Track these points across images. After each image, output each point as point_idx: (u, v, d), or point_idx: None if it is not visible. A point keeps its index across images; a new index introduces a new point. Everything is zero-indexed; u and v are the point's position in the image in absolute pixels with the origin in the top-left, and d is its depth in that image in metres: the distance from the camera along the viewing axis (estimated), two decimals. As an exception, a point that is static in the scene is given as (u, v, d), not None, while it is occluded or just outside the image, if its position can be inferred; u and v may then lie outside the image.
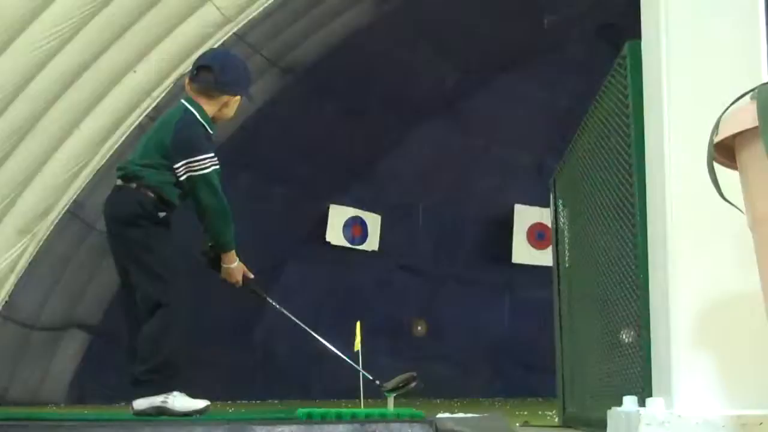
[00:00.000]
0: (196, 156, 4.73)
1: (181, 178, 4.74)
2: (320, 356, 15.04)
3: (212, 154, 4.78)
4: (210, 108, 4.93)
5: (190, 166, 4.72)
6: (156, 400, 4.59)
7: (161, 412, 4.55)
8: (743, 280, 2.95)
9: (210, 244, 4.93)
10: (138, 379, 4.66)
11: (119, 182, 4.88)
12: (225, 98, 4.96)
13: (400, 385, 5.05)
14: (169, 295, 4.70)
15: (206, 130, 4.88)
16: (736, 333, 3.11)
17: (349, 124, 14.26)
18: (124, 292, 4.95)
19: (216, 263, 4.96)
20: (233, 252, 4.92)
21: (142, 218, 4.74)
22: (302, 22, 11.76)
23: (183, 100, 4.97)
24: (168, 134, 4.82)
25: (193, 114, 4.87)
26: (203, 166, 4.73)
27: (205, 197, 4.74)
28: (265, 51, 11.70)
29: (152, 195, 4.76)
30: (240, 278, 4.99)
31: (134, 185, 4.79)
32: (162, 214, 4.80)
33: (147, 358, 4.66)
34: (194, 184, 4.73)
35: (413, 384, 5.00)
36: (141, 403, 4.61)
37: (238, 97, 5.03)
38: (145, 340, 4.70)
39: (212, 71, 4.94)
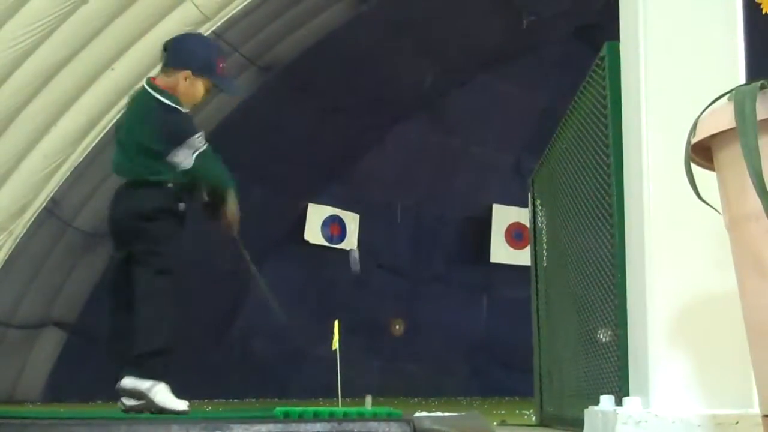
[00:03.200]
0: (189, 137, 4.79)
1: (188, 164, 4.79)
2: (298, 355, 15.05)
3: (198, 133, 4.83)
4: (172, 86, 4.91)
5: (195, 147, 4.79)
6: (143, 385, 4.58)
7: (141, 397, 4.55)
8: (720, 280, 2.97)
9: (207, 191, 4.96)
10: (137, 359, 4.63)
11: (128, 180, 4.88)
12: (182, 74, 4.94)
13: None
14: (169, 281, 4.76)
15: (180, 112, 4.90)
16: (712, 332, 3.13)
17: (328, 123, 14.26)
18: (119, 279, 4.91)
19: (216, 210, 4.97)
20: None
21: (164, 212, 4.81)
22: (281, 20, 11.75)
23: (150, 88, 4.92)
24: (154, 127, 4.83)
25: (162, 101, 4.85)
26: (200, 143, 4.82)
27: (207, 165, 4.84)
28: (243, 49, 11.68)
29: (172, 187, 4.81)
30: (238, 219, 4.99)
31: (153, 180, 4.81)
32: (182, 206, 4.86)
33: (149, 339, 4.63)
34: (201, 159, 4.80)
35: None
36: (127, 382, 4.60)
37: (200, 80, 5.01)
38: (145, 321, 4.68)
39: (167, 49, 5.00)
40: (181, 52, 5.02)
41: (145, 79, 5.04)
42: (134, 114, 4.96)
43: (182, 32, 5.46)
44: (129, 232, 4.84)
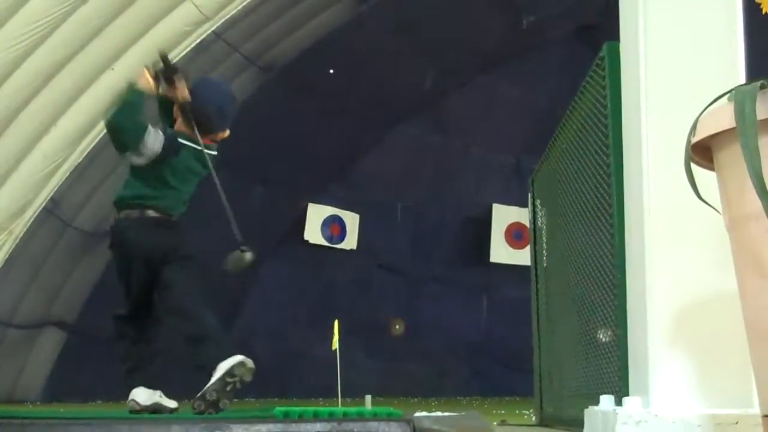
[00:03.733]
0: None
1: None
2: (298, 355, 15.02)
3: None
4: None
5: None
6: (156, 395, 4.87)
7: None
8: (720, 280, 2.97)
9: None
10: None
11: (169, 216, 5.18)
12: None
13: None
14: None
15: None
16: (712, 333, 3.13)
17: (328, 124, 14.25)
18: (143, 294, 5.08)
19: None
20: None
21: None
22: (281, 20, 11.74)
23: (207, 150, 5.31)
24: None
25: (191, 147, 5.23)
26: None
27: None
28: (243, 49, 11.67)
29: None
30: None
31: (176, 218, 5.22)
32: None
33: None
34: None
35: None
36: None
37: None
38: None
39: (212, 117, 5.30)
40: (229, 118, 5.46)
41: (203, 144, 5.29)
42: (193, 172, 5.37)
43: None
44: (165, 259, 5.10)
